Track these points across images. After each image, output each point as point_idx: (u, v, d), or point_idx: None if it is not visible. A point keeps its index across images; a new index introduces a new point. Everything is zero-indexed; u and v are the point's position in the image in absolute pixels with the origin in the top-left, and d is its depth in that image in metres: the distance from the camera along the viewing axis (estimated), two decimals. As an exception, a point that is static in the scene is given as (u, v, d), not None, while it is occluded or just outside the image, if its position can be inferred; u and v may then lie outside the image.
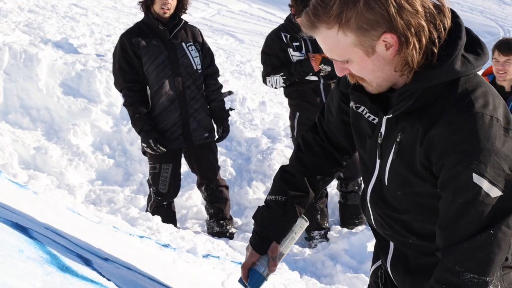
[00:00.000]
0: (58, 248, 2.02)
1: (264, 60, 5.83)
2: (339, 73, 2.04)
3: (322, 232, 6.04)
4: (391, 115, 2.04)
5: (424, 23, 1.86)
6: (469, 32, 1.99)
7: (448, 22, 1.92)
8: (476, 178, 1.86)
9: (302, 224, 2.45)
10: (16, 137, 7.26)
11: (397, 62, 1.92)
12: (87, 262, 2.09)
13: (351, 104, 2.24)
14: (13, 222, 2.06)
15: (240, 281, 2.48)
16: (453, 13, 1.96)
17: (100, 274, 2.00)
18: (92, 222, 3.45)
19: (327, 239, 5.98)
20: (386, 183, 2.14)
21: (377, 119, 2.13)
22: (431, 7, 1.89)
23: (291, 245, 2.50)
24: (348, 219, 6.22)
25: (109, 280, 1.98)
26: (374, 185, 2.21)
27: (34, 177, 6.27)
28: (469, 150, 1.86)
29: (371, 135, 2.17)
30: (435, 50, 1.90)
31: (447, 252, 1.93)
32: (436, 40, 1.89)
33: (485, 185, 1.86)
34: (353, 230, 6.05)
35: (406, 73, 1.93)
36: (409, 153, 2.02)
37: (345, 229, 6.11)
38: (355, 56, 1.93)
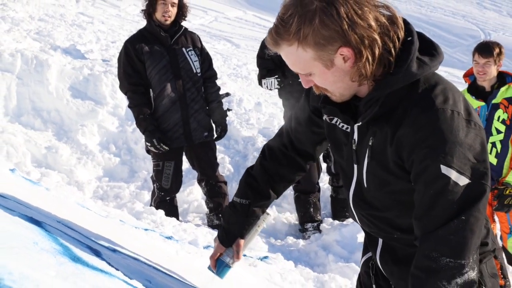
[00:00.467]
0: (69, 240, 2.03)
1: (259, 64, 5.84)
2: (305, 85, 2.05)
3: (315, 224, 6.06)
4: (361, 123, 2.05)
5: (377, 37, 1.87)
6: (422, 36, 2.02)
7: (401, 32, 1.93)
8: (444, 169, 1.88)
9: (264, 218, 2.56)
10: (29, 137, 7.26)
11: (353, 73, 1.92)
12: (97, 253, 2.10)
13: (325, 117, 2.26)
14: (28, 216, 2.07)
15: (209, 268, 2.60)
16: (404, 21, 1.97)
17: (109, 264, 2.01)
18: (100, 216, 3.45)
19: (320, 231, 5.99)
20: (365, 185, 2.15)
21: (349, 128, 2.14)
22: (384, 20, 1.89)
23: (255, 237, 2.60)
24: (339, 212, 6.24)
25: (117, 269, 1.99)
26: (355, 189, 2.22)
27: (46, 174, 6.28)
28: (435, 144, 1.89)
29: (346, 142, 2.18)
30: (391, 59, 1.91)
31: (424, 240, 1.95)
32: (392, 50, 1.91)
33: (453, 175, 1.88)
34: (344, 222, 6.06)
35: (363, 82, 1.96)
36: (381, 154, 2.04)
37: (336, 221, 6.12)
38: (316, 69, 1.94)
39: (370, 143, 2.05)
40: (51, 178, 6.00)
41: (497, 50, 4.89)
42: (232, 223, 2.53)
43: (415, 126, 1.91)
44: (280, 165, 2.52)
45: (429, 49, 2.00)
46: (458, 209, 1.90)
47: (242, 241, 2.53)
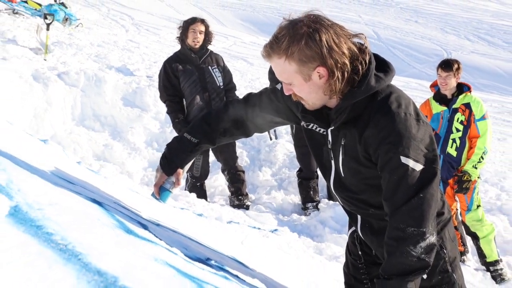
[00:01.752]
0: (123, 217, 2.05)
1: (270, 78, 5.84)
2: (286, 92, 2.05)
3: (314, 203, 6.05)
4: (333, 127, 2.09)
5: (347, 62, 1.91)
6: (378, 57, 2.06)
7: (367, 57, 1.96)
8: (403, 159, 1.94)
9: (198, 157, 2.46)
10: (90, 137, 7.30)
11: (325, 88, 1.95)
12: (145, 227, 2.11)
13: (302, 123, 2.27)
14: (91, 198, 2.09)
15: (153, 195, 2.46)
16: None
17: (155, 235, 2.03)
18: (146, 198, 3.47)
19: (318, 209, 5.99)
20: (343, 175, 2.17)
21: (325, 131, 2.16)
22: (355, 49, 1.94)
23: (187, 169, 2.49)
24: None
25: (160, 239, 2.00)
26: (334, 178, 2.23)
27: (103, 166, 6.31)
28: (394, 141, 1.94)
29: (323, 143, 2.20)
30: (357, 78, 1.95)
31: (392, 215, 1.99)
32: (360, 70, 1.95)
33: (410, 163, 1.94)
34: (337, 202, 6.05)
35: (333, 96, 1.99)
36: (352, 151, 2.07)
37: (331, 202, 6.11)
38: (296, 81, 1.96)
39: (342, 143, 2.09)
40: (107, 169, 6.04)
41: (456, 66, 4.90)
42: (176, 154, 2.41)
43: (378, 128, 1.96)
44: (236, 127, 2.42)
45: (384, 67, 2.04)
46: (416, 189, 1.95)
47: (181, 171, 2.43)
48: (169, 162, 2.41)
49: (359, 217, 2.34)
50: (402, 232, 1.96)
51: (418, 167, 1.96)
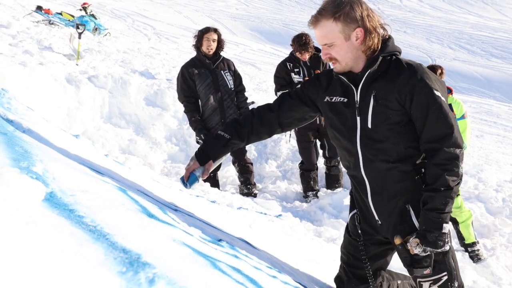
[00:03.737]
0: (146, 203, 2.05)
1: (275, 81, 5.83)
2: (324, 56, 2.18)
3: (314, 192, 6.04)
4: (361, 86, 2.19)
5: (378, 28, 2.15)
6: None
7: (386, 33, 2.21)
8: (436, 93, 2.09)
9: (227, 155, 2.54)
10: (116, 133, 7.31)
11: (360, 47, 2.14)
12: (165, 211, 2.11)
13: (326, 99, 2.31)
14: (117, 186, 2.09)
15: (181, 179, 2.45)
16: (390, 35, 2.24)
17: (173, 219, 2.03)
18: (166, 187, 3.48)
19: (318, 197, 5.98)
20: (370, 126, 2.20)
21: (346, 99, 2.25)
22: (382, 24, 2.19)
23: (216, 165, 2.52)
24: (331, 184, 6.22)
25: (178, 223, 2.01)
26: (361, 135, 2.24)
27: (128, 158, 6.33)
28: (427, 80, 2.10)
29: (347, 107, 2.25)
30: (380, 44, 2.17)
31: (443, 143, 2.11)
32: (381, 38, 2.18)
33: (441, 98, 2.10)
34: (334, 191, 6.04)
35: (365, 55, 2.16)
36: (385, 99, 2.15)
37: (329, 190, 6.10)
38: (338, 40, 2.12)
39: (374, 93, 2.16)
40: (132, 161, 6.06)
41: (439, 71, 4.88)
42: (211, 147, 2.45)
43: (411, 72, 2.11)
44: (260, 124, 2.45)
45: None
46: (453, 118, 2.12)
47: (211, 163, 2.45)
48: (203, 154, 2.44)
49: (368, 186, 2.30)
50: (453, 153, 2.10)
51: (445, 100, 2.12)
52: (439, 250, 2.15)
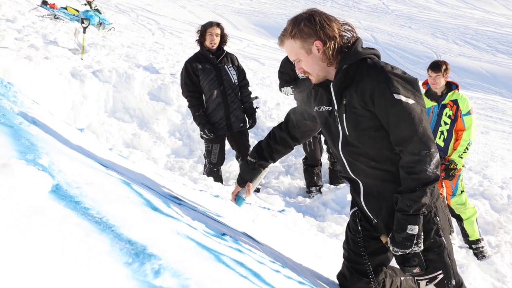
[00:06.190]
0: (150, 196, 2.07)
1: (279, 77, 5.83)
2: (298, 71, 2.29)
3: (318, 188, 6.06)
4: (334, 93, 2.24)
5: (337, 35, 2.18)
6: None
7: (355, 35, 2.23)
8: (396, 96, 2.09)
9: (265, 170, 2.82)
10: (121, 127, 7.33)
11: (323, 57, 2.20)
12: (169, 205, 2.13)
13: (315, 109, 2.43)
14: (122, 179, 2.10)
15: (231, 201, 2.89)
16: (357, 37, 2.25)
17: (177, 213, 2.04)
18: (169, 181, 3.49)
19: (321, 192, 6.00)
20: (347, 133, 2.26)
21: (330, 108, 2.32)
22: (343, 29, 2.21)
23: (258, 182, 2.84)
24: (334, 179, 6.23)
25: (182, 216, 2.02)
26: (342, 141, 2.31)
27: (132, 152, 6.34)
28: (385, 83, 2.10)
29: (330, 116, 2.33)
30: (346, 50, 2.19)
31: (406, 147, 2.13)
32: (349, 44, 2.21)
33: (403, 98, 2.09)
34: (338, 187, 6.06)
35: (330, 65, 2.21)
36: (352, 104, 2.20)
37: (332, 186, 6.12)
38: (302, 56, 2.23)
39: (344, 102, 2.22)
40: (135, 155, 6.06)
41: (444, 67, 4.85)
42: (244, 172, 2.80)
43: (370, 77, 2.13)
44: (276, 143, 2.73)
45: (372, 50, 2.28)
46: (418, 120, 2.12)
47: (250, 184, 2.78)
48: (241, 178, 2.81)
49: (361, 186, 2.35)
50: (418, 155, 2.11)
51: (410, 101, 2.10)
52: (407, 251, 2.19)
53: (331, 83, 2.24)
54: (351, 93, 2.18)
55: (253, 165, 2.77)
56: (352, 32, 2.23)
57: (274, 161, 2.80)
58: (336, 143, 2.34)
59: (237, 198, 2.83)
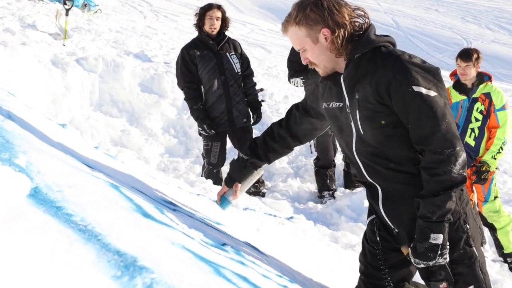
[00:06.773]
0: (141, 201, 2.07)
1: (288, 66, 5.80)
2: (303, 61, 2.29)
3: (331, 192, 6.06)
4: (345, 87, 2.23)
5: (346, 22, 2.16)
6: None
7: (367, 22, 2.22)
8: (415, 88, 2.08)
9: (258, 172, 2.80)
10: (108, 123, 7.36)
11: (331, 47, 2.19)
12: (162, 211, 2.13)
13: (324, 105, 2.43)
14: (109, 182, 2.11)
15: (216, 201, 2.89)
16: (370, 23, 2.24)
17: (172, 220, 2.04)
18: (163, 184, 3.49)
19: (334, 197, 5.99)
20: (362, 132, 2.25)
21: (341, 104, 2.30)
22: (355, 15, 2.20)
23: (249, 185, 2.82)
24: (350, 183, 6.23)
25: (177, 224, 2.02)
26: (356, 141, 2.30)
27: (121, 151, 6.35)
28: (403, 74, 2.07)
29: (341, 112, 2.32)
30: (357, 39, 2.18)
31: (428, 145, 2.11)
32: (360, 32, 2.19)
33: (423, 90, 2.07)
34: (354, 191, 6.05)
35: (339, 55, 2.20)
36: (365, 99, 2.18)
37: (347, 190, 6.12)
38: (307, 44, 2.22)
39: (357, 97, 2.21)
40: (125, 154, 6.08)
41: (475, 55, 4.82)
42: (233, 170, 2.79)
43: (386, 68, 2.10)
44: (273, 141, 2.72)
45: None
46: (440, 115, 2.08)
47: (239, 185, 2.76)
48: (229, 176, 2.80)
49: (379, 190, 2.34)
50: (441, 155, 2.08)
51: (432, 93, 2.08)
52: (431, 263, 2.17)
53: (341, 76, 2.24)
54: (364, 86, 2.16)
55: (244, 162, 2.76)
56: (364, 18, 2.21)
57: (269, 161, 2.77)
58: (349, 144, 2.33)
59: (222, 200, 2.80)
